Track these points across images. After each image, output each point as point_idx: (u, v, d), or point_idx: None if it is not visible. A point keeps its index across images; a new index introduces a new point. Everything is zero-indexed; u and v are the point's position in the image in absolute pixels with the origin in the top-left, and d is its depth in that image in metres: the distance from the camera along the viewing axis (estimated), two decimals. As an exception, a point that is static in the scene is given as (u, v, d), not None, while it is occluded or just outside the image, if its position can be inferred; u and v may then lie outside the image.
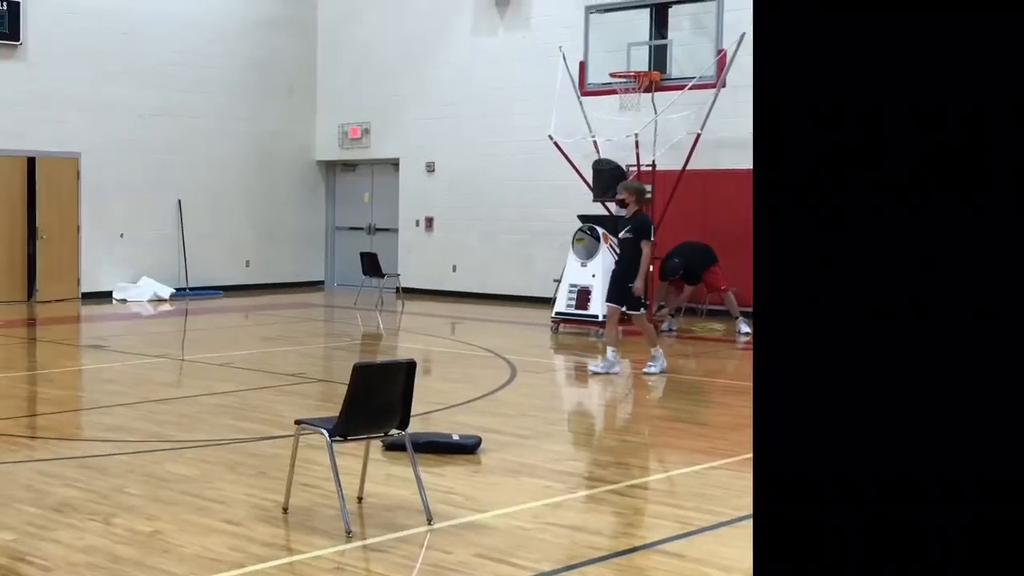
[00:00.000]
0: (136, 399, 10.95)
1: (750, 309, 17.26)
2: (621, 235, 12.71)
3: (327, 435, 6.61)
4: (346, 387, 6.59)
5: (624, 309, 12.63)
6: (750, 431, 8.16)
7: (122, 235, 21.64)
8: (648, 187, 14.63)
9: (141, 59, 21.67)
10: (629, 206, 12.51)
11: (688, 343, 16.26)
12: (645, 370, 12.70)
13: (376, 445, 8.03)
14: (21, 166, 20.36)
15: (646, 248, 12.36)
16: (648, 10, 17.85)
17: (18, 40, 19.98)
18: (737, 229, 17.31)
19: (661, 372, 12.65)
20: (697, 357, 15.20)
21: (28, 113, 20.29)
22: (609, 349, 12.84)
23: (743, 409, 10.90)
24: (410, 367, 6.82)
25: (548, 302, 18.34)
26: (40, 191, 20.62)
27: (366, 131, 23.80)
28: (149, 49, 21.80)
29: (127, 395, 11.15)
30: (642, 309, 12.69)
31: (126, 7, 21.43)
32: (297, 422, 7.05)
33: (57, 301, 20.44)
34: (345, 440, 6.77)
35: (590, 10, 17.78)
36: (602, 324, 16.23)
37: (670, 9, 17.87)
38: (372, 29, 23.46)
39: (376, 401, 6.71)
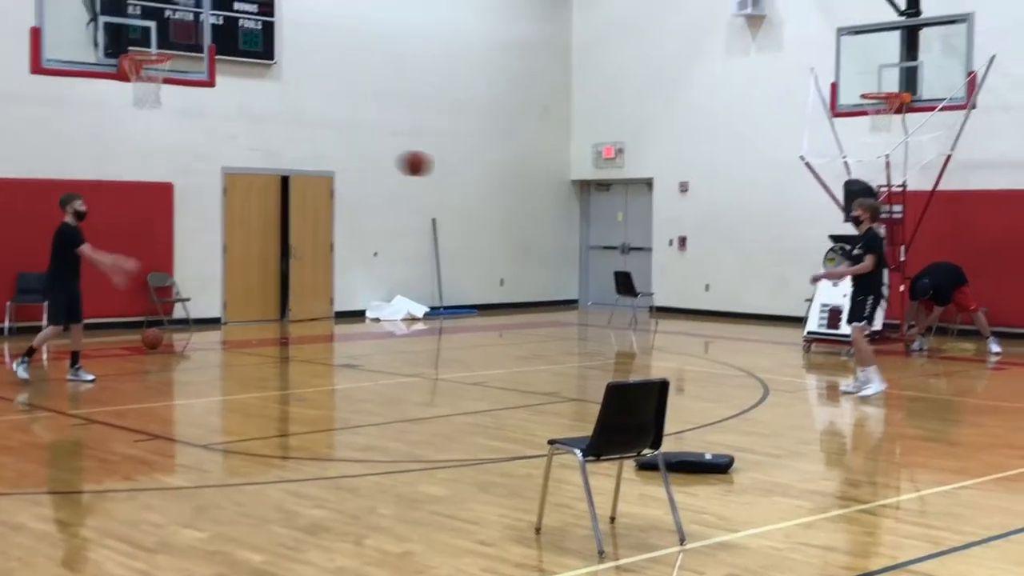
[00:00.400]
0: (389, 419, 11.15)
1: (1000, 329, 16.98)
2: (854, 252, 12.83)
3: (580, 455, 6.72)
4: (599, 407, 6.74)
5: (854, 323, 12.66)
6: (1001, 451, 8.30)
7: (376, 254, 22.07)
8: (884, 206, 14.52)
9: (395, 79, 22.18)
10: (864, 223, 12.66)
11: (939, 363, 16.08)
12: (852, 389, 12.69)
13: (629, 464, 8.22)
14: (275, 184, 20.75)
15: (868, 260, 12.49)
16: (899, 32, 17.77)
17: (272, 59, 20.54)
18: (987, 249, 17.12)
19: (875, 394, 12.48)
20: (948, 377, 15.04)
21: (282, 131, 20.78)
22: (859, 369, 12.83)
23: (994, 429, 10.85)
24: (663, 387, 6.92)
25: (801, 321, 18.38)
26: (294, 209, 20.94)
27: (620, 151, 24.25)
28: (404, 69, 22.36)
29: (379, 415, 11.36)
30: (864, 322, 12.62)
31: (380, 27, 21.96)
32: (550, 442, 7.12)
33: (310, 320, 20.79)
34: (598, 460, 6.87)
35: (841, 32, 17.81)
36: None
37: (920, 31, 17.75)
38: (625, 50, 23.91)
39: (629, 421, 6.82)
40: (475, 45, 23.50)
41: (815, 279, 14.46)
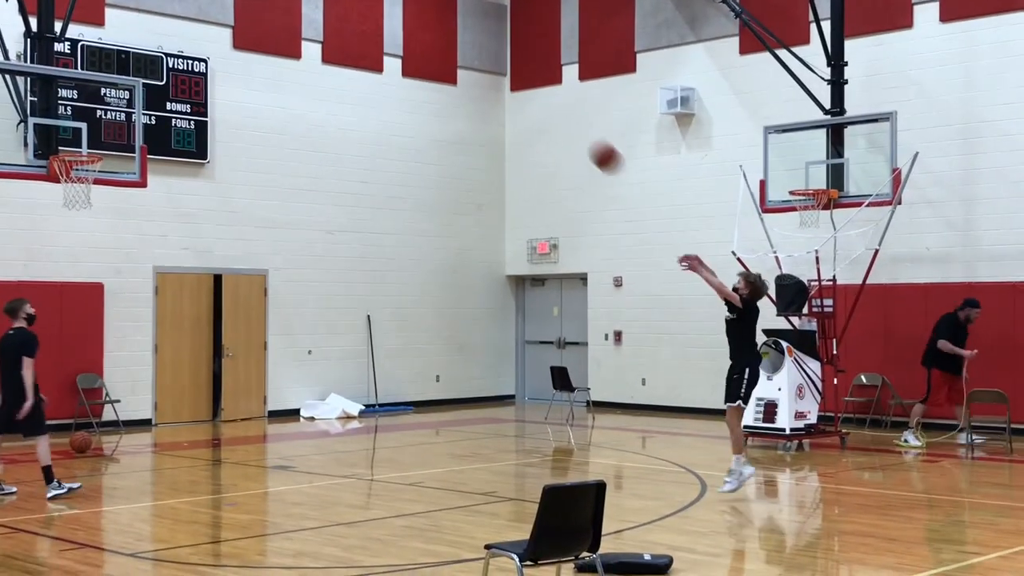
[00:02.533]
0: (323, 522, 11.01)
1: (928, 420, 17.17)
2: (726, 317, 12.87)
3: (517, 560, 6.71)
4: (537, 508, 6.73)
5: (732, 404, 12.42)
6: (938, 545, 8.28)
7: (310, 351, 21.96)
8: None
9: (329, 176, 22.25)
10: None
11: (874, 455, 16.21)
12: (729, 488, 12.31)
13: (567, 567, 8.14)
14: (207, 283, 20.59)
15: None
16: (824, 130, 18.18)
17: (205, 158, 20.52)
18: (916, 343, 17.36)
19: (737, 486, 12.29)
20: (883, 470, 15.13)
21: (215, 230, 20.70)
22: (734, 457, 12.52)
23: (930, 522, 10.91)
24: (599, 488, 6.92)
25: (736, 415, 18.43)
26: (227, 308, 20.77)
27: (554, 246, 24.42)
28: (338, 166, 22.47)
29: (313, 518, 11.22)
30: (738, 402, 12.41)
31: (312, 127, 22.08)
32: (487, 547, 7.13)
33: (243, 420, 20.57)
34: (536, 564, 6.85)
35: (768, 130, 18.20)
36: (788, 437, 16.35)
37: (845, 128, 18.18)
38: (558, 147, 24.19)
39: (567, 524, 6.81)
40: (409, 144, 23.65)
41: (683, 258, 13.38)
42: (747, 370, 12.35)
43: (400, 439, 18.68)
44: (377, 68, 23.20)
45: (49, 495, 12.39)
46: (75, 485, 12.72)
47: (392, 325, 23.17)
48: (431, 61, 24.09)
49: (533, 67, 24.82)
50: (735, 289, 12.71)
